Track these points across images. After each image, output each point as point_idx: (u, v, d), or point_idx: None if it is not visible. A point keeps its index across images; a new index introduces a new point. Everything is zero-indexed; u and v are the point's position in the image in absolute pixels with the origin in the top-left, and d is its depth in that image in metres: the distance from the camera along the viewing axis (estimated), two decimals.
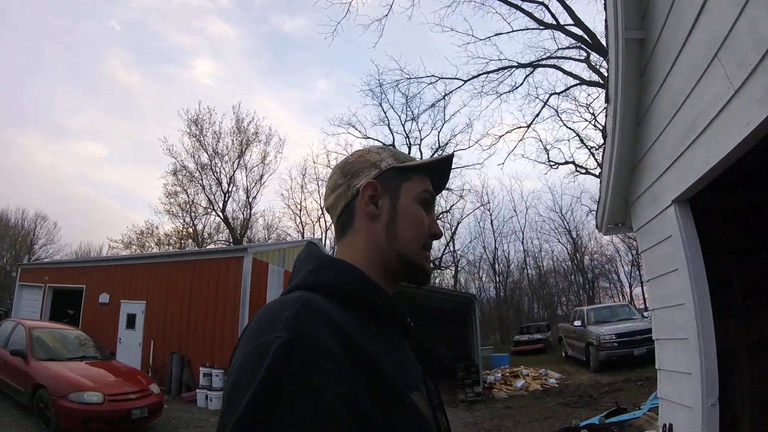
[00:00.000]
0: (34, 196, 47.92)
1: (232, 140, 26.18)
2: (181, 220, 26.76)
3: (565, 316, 23.86)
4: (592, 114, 16.86)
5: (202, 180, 25.75)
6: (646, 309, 12.12)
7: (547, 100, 16.69)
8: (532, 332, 19.81)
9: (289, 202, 33.03)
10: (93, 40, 48.08)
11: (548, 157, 19.17)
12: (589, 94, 19.13)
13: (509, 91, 17.40)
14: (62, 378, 5.84)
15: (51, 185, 50.93)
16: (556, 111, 17.95)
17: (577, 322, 12.88)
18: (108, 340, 10.28)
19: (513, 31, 14.79)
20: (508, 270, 30.63)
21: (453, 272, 29.72)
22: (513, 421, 7.50)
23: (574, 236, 28.23)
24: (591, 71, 14.34)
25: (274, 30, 48.05)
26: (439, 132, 33.97)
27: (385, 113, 28.42)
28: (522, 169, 51.60)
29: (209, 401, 8.49)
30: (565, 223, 28.66)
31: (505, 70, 15.50)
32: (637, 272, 24.41)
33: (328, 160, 26.66)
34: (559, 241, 29.58)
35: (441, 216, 25.39)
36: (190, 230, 26.88)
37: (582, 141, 18.06)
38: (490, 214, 29.74)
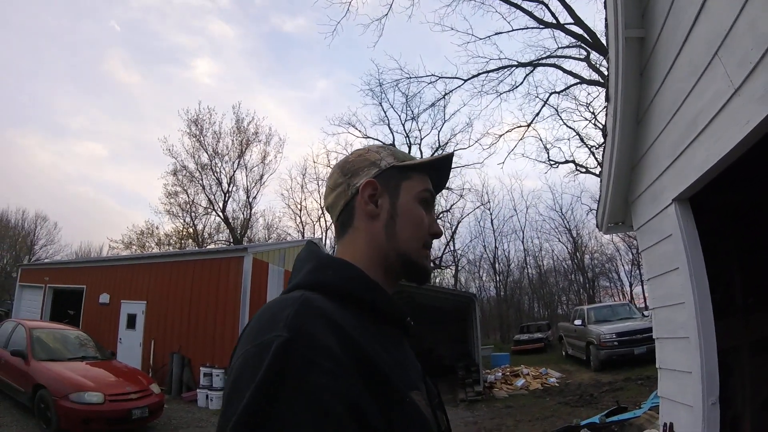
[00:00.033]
0: (35, 196, 47.90)
1: (232, 140, 26.21)
2: (182, 220, 26.81)
3: (566, 315, 23.83)
4: (592, 113, 16.86)
5: (202, 180, 25.79)
6: (646, 308, 12.13)
7: (547, 99, 16.68)
8: (532, 331, 19.81)
9: (289, 201, 33.28)
10: (93, 40, 48.12)
11: (548, 156, 19.25)
12: (589, 93, 19.09)
13: (509, 91, 17.42)
14: (63, 378, 5.84)
15: (51, 185, 50.98)
16: (556, 110, 17.96)
17: (578, 321, 12.89)
18: (108, 340, 10.29)
19: (513, 30, 14.79)
20: (509, 269, 30.70)
21: (453, 271, 29.76)
22: (513, 420, 7.50)
23: (575, 235, 28.30)
24: (591, 70, 14.36)
25: (274, 30, 48.07)
26: (439, 131, 34.13)
27: (385, 113, 28.53)
28: (522, 168, 51.47)
29: (210, 401, 8.49)
30: (566, 222, 28.72)
31: (505, 69, 15.50)
32: (638, 271, 24.45)
33: (328, 160, 26.71)
34: (559, 240, 29.65)
35: (441, 215, 25.39)
36: (191, 230, 26.90)
37: (582, 140, 18.06)
38: (491, 214, 29.81)
